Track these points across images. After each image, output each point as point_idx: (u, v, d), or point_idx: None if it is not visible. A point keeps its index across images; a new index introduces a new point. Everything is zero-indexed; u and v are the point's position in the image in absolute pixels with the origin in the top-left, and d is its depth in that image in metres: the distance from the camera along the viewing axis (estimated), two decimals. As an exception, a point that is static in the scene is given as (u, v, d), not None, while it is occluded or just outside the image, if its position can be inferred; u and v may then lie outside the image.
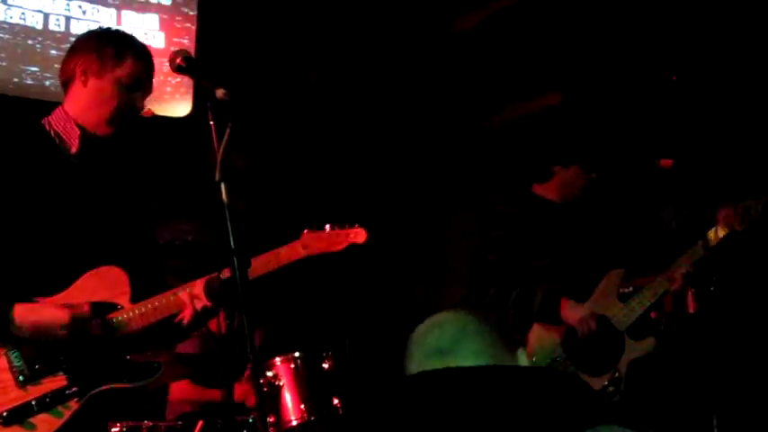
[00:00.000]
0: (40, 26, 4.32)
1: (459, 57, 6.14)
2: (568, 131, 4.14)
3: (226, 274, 2.17)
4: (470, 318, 1.50)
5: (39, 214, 2.33)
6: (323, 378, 4.05)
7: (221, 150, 2.01)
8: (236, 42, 5.16)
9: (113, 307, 2.35)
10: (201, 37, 4.70)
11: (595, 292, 3.37)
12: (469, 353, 1.41)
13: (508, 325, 4.16)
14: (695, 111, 4.30)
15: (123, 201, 2.53)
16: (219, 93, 2.07)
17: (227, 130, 2.01)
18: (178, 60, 2.21)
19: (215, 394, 4.23)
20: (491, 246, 3.53)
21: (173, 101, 4.59)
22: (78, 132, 2.42)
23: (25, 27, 4.27)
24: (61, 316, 2.23)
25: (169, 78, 4.47)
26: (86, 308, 2.27)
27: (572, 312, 3.30)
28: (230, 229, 1.99)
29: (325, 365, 4.08)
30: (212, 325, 3.85)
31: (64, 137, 2.43)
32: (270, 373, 3.94)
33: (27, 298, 2.25)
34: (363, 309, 5.39)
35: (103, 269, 2.38)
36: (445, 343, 1.44)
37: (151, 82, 2.53)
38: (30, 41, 4.28)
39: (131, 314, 2.36)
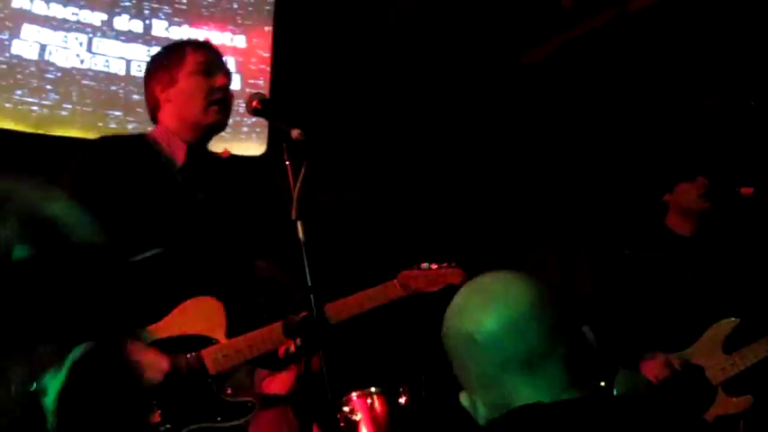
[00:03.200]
0: (122, 72, 4.49)
1: (529, 88, 6.13)
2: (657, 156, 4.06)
3: (303, 313, 2.16)
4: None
5: (145, 235, 2.28)
6: (400, 413, 4.03)
7: (297, 189, 2.05)
8: (310, 81, 5.28)
9: (209, 341, 2.29)
10: (276, 77, 4.81)
11: (700, 341, 3.21)
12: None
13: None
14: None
15: (225, 225, 2.47)
16: (295, 133, 2.11)
17: (303, 170, 2.05)
18: (254, 104, 2.25)
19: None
20: (600, 282, 3.46)
21: (249, 140, 4.71)
22: (184, 146, 2.42)
23: (109, 74, 4.45)
24: (162, 366, 2.16)
25: (245, 119, 4.60)
26: (184, 362, 2.21)
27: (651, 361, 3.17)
28: (307, 267, 2.02)
29: (402, 400, 4.07)
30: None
31: (168, 151, 2.42)
32: (346, 408, 3.95)
33: (125, 323, 2.13)
34: (439, 342, 5.35)
35: (201, 299, 2.31)
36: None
37: (224, 64, 2.52)
38: (113, 87, 4.46)
39: (227, 351, 2.28)
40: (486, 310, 1.36)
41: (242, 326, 2.35)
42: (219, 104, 2.42)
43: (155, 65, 2.52)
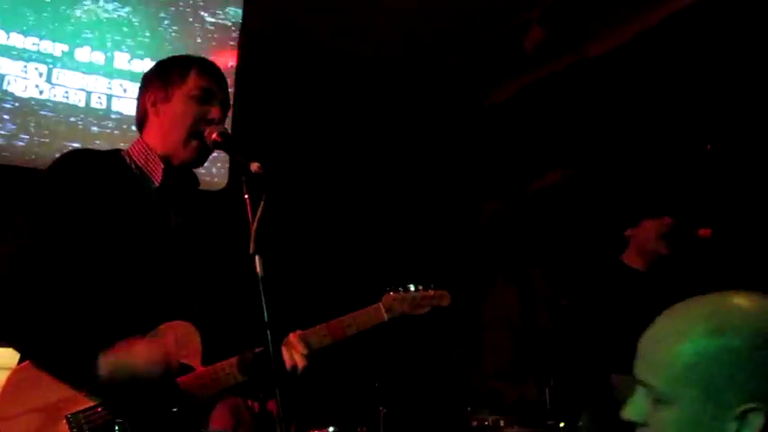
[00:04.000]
0: (82, 104, 4.44)
1: (492, 129, 6.21)
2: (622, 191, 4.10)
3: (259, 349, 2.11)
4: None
5: (117, 257, 2.16)
6: (357, 454, 3.98)
7: (255, 223, 2.01)
8: (272, 118, 5.28)
9: (186, 368, 2.18)
10: (239, 112, 4.79)
11: None
12: None
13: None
14: (730, 179, 4.26)
15: (201, 249, 2.37)
16: (254, 167, 2.04)
17: (262, 204, 2.01)
18: (214, 136, 2.21)
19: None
20: (556, 315, 3.45)
21: (209, 174, 4.66)
22: (162, 165, 2.29)
23: (68, 105, 4.40)
24: (157, 350, 2.05)
25: (205, 153, 4.57)
26: (171, 340, 2.11)
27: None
28: (264, 303, 1.97)
29: (359, 441, 4.02)
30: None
31: (146, 170, 2.30)
32: (303, 449, 3.88)
33: (99, 347, 2.03)
34: (398, 380, 5.32)
35: (177, 324, 2.20)
36: None
37: (225, 93, 2.36)
38: (72, 119, 4.40)
39: (203, 380, 2.17)
40: None
41: (216, 355, 2.24)
42: (201, 143, 2.28)
43: (155, 75, 2.38)
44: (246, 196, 2.05)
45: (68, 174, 2.19)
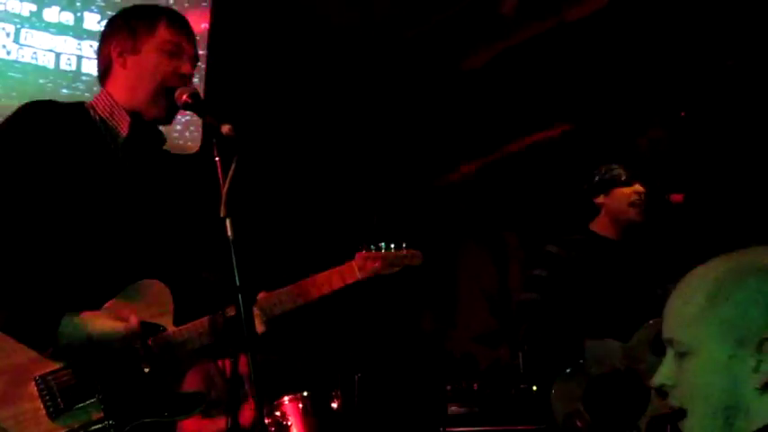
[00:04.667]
0: (51, 65, 4.36)
1: (468, 93, 6.18)
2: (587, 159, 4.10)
3: (230, 312, 2.10)
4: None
5: (81, 215, 2.10)
6: (331, 417, 4.00)
7: (226, 186, 1.98)
8: (245, 82, 5.22)
9: (157, 328, 2.14)
10: (211, 75, 4.73)
11: (630, 342, 3.20)
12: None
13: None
14: (705, 146, 4.29)
15: (168, 206, 2.32)
16: (225, 129, 2.00)
17: (232, 166, 1.98)
18: (184, 97, 2.16)
19: (221, 424, 4.18)
20: (530, 284, 3.45)
21: (182, 138, 4.61)
22: (128, 118, 2.21)
23: (37, 66, 4.31)
24: (118, 328, 2.02)
25: (178, 116, 4.49)
26: (135, 321, 2.04)
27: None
28: (235, 266, 1.96)
29: (334, 404, 4.04)
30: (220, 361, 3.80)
31: (111, 123, 2.22)
32: (278, 413, 3.89)
33: (63, 310, 2.00)
34: (371, 345, 5.35)
35: (146, 283, 2.16)
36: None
37: (193, 45, 2.31)
38: (41, 80, 4.32)
39: (175, 339, 2.14)
40: None
41: (189, 313, 2.21)
42: (170, 97, 2.21)
43: (121, 23, 2.27)
44: (217, 159, 2.03)
45: (27, 126, 2.12)
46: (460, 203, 6.28)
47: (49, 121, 2.14)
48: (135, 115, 2.24)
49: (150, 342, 2.11)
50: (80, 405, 2.01)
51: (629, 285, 3.32)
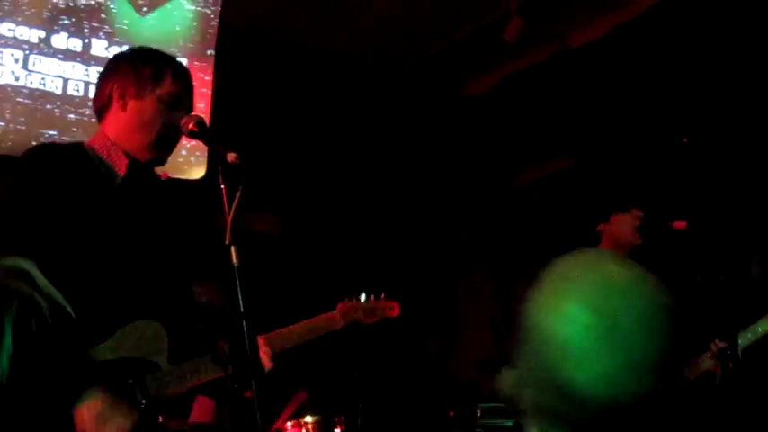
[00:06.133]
0: (59, 91, 4.39)
1: (471, 120, 6.21)
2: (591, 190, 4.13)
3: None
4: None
5: (81, 253, 2.14)
6: (335, 443, 3.98)
7: (231, 214, 2.01)
8: (252, 106, 5.25)
9: (152, 366, 2.18)
10: (217, 102, 4.77)
11: None
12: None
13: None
14: (707, 172, 4.30)
15: (163, 247, 2.36)
16: (231, 157, 2.05)
17: (238, 194, 2.01)
18: (190, 126, 2.21)
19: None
20: None
21: (187, 164, 4.63)
22: (126, 159, 2.27)
23: (45, 92, 4.34)
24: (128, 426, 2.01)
25: (184, 142, 4.52)
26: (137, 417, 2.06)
27: None
28: (240, 293, 1.97)
29: (337, 431, 4.02)
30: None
31: (109, 163, 2.28)
32: (280, 439, 3.88)
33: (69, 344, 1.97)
34: (375, 370, 5.33)
35: (142, 323, 2.20)
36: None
37: (192, 99, 2.40)
38: (49, 106, 4.35)
39: (169, 378, 2.18)
40: None
41: (184, 352, 2.26)
42: (168, 143, 2.33)
43: (126, 66, 2.34)
44: (223, 186, 2.06)
45: (35, 172, 2.18)
46: (466, 230, 6.29)
47: (53, 166, 2.20)
48: (131, 156, 2.31)
49: (146, 380, 2.14)
50: None
51: None
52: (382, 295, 2.83)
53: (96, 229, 2.18)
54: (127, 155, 2.29)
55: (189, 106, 2.38)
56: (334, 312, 2.67)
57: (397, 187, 6.15)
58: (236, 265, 2.00)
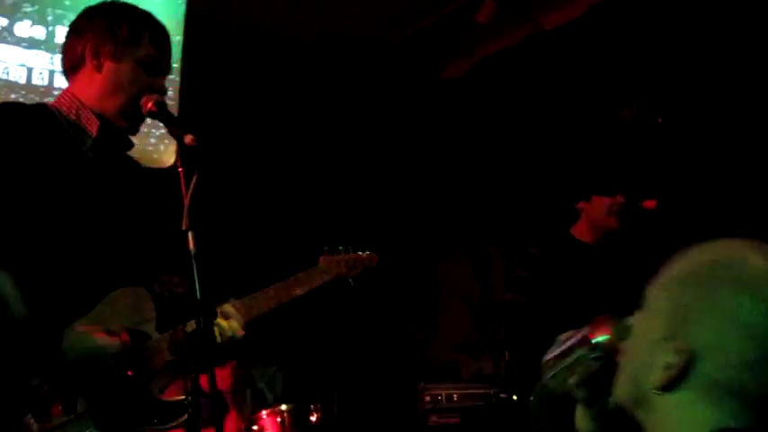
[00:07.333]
0: (23, 80, 4.32)
1: (449, 103, 6.18)
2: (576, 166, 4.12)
3: (191, 326, 2.06)
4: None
5: (60, 219, 2.04)
6: (310, 431, 3.96)
7: (188, 198, 1.94)
8: (220, 93, 5.19)
9: (143, 336, 2.10)
10: (186, 88, 4.70)
11: None
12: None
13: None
14: (679, 152, 4.30)
15: (140, 212, 2.27)
16: (188, 139, 1.94)
17: (194, 178, 1.95)
18: (149, 105, 2.11)
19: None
20: (511, 285, 3.49)
21: (157, 152, 4.57)
22: (98, 121, 2.14)
23: (8, 81, 4.27)
24: (114, 343, 2.00)
25: (153, 130, 4.47)
26: (126, 337, 2.03)
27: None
28: (197, 280, 1.91)
29: (313, 418, 4.00)
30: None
31: (79, 123, 2.14)
32: (255, 427, 3.85)
33: (46, 319, 1.94)
34: (352, 356, 5.31)
35: (129, 290, 2.13)
36: None
37: (170, 62, 2.27)
38: (13, 95, 4.27)
39: (160, 345, 2.11)
40: None
41: (168, 320, 2.18)
42: (139, 112, 2.16)
43: (101, 24, 2.16)
44: (180, 170, 1.99)
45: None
46: (443, 213, 6.27)
47: (19, 124, 2.07)
48: (102, 118, 2.17)
49: (137, 349, 2.07)
50: (66, 419, 1.94)
51: (603, 289, 3.34)
52: (360, 247, 2.77)
53: (66, 193, 2.08)
54: (98, 116, 2.16)
55: (168, 69, 2.25)
56: (315, 267, 2.57)
57: (378, 171, 6.12)
58: (192, 251, 1.94)
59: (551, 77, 5.54)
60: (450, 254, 6.20)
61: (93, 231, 2.11)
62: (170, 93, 4.68)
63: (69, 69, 2.21)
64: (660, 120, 4.48)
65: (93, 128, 2.15)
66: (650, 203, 3.25)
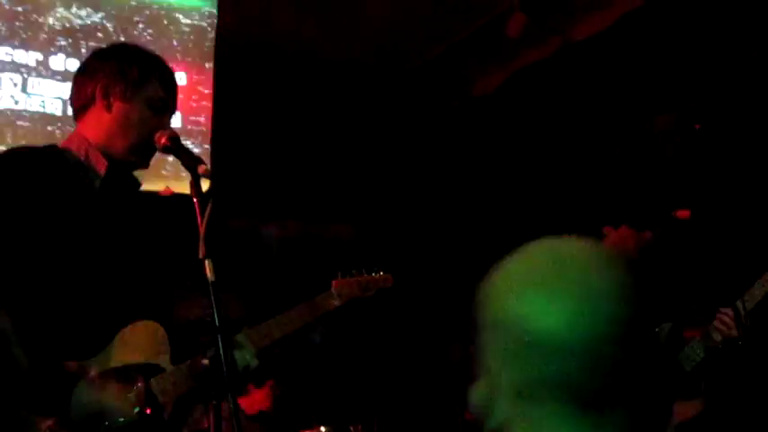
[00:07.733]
0: (59, 113, 4.41)
1: (480, 119, 6.14)
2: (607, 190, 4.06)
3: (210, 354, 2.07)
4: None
5: (66, 261, 2.08)
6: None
7: (203, 226, 1.95)
8: (253, 116, 5.24)
9: (156, 369, 2.13)
10: (218, 114, 4.76)
11: None
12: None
13: None
14: (714, 160, 4.20)
15: (150, 247, 2.32)
16: (201, 169, 1.99)
17: (209, 207, 1.96)
18: (163, 140, 2.14)
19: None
20: None
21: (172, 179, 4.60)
22: (106, 162, 2.20)
23: (45, 114, 4.36)
24: (129, 396, 2.03)
25: (169, 158, 4.50)
26: (142, 385, 2.07)
27: None
28: (215, 307, 1.92)
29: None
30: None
31: (88, 164, 2.20)
32: (293, 450, 3.84)
33: (59, 359, 1.99)
34: (394, 379, 5.27)
35: (141, 324, 2.16)
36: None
37: (176, 101, 2.34)
38: (49, 128, 4.37)
39: (174, 378, 2.13)
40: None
41: (181, 352, 2.22)
42: (148, 151, 2.24)
43: (112, 65, 2.24)
44: (195, 200, 2.00)
45: (7, 177, 2.12)
46: (486, 233, 6.21)
47: (30, 169, 2.13)
48: (110, 158, 2.23)
49: (151, 384, 2.09)
50: None
51: None
52: (374, 268, 2.80)
53: (76, 234, 2.12)
54: (106, 156, 2.22)
55: (173, 109, 2.33)
56: (330, 290, 2.61)
57: (410, 194, 6.10)
58: (210, 279, 1.95)
59: (584, 89, 5.47)
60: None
61: (103, 269, 2.15)
62: (202, 119, 4.76)
63: (79, 109, 2.27)
64: (698, 126, 4.38)
65: (101, 168, 2.21)
66: (684, 213, 3.18)
